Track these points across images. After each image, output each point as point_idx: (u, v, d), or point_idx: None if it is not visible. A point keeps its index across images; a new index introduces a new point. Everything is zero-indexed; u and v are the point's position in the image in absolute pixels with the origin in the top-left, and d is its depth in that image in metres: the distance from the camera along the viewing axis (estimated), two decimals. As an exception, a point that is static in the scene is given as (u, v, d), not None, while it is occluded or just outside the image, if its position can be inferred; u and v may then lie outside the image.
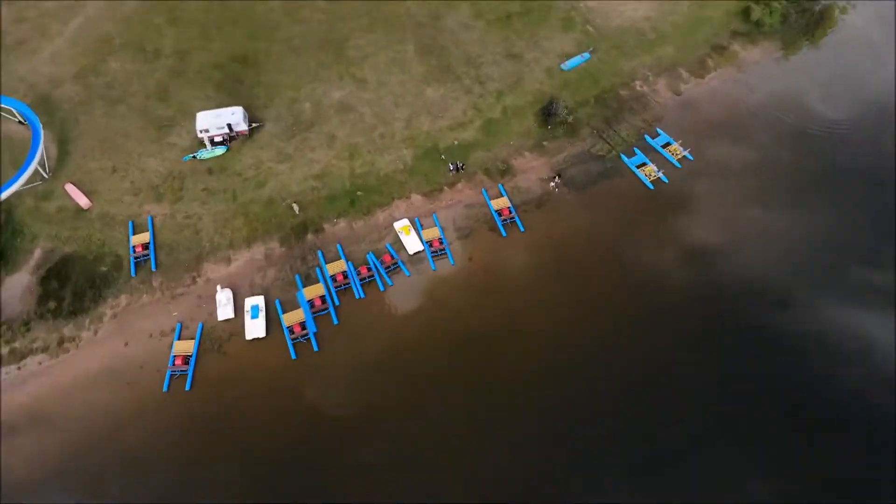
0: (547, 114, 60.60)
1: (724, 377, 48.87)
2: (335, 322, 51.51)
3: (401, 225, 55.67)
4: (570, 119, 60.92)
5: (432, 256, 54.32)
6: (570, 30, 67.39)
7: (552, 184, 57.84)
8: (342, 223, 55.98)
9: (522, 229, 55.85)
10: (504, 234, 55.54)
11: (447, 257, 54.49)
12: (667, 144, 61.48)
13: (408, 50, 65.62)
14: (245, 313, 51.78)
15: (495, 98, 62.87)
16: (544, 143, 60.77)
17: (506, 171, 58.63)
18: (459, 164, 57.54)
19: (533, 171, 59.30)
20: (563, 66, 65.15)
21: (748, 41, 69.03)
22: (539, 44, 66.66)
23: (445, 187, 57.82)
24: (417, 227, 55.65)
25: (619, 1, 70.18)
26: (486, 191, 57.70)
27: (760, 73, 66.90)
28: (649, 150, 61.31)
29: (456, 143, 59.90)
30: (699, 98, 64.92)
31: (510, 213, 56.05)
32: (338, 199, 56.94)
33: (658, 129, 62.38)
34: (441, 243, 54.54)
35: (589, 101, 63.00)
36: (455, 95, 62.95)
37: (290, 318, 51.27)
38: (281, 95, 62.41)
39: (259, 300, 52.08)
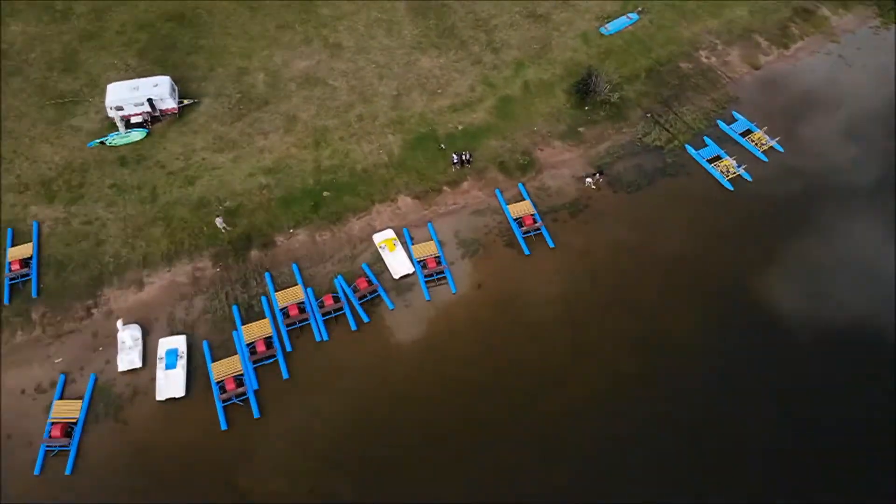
0: (584, 90, 44.77)
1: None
2: (285, 376, 35.77)
3: (383, 238, 39.53)
4: (616, 98, 44.99)
5: (426, 282, 38.65)
6: (610, -13, 51.71)
7: (591, 182, 41.48)
8: (301, 235, 39.93)
9: (552, 245, 39.86)
10: (526, 251, 39.61)
11: (447, 283, 38.36)
12: (747, 132, 45.47)
13: (397, 8, 49.79)
14: (158, 361, 37.42)
15: (513, 70, 47.12)
16: (580, 128, 44.71)
17: (528, 166, 42.57)
18: (465, 156, 41.74)
19: (565, 165, 43.26)
20: (603, 29, 49.52)
21: (840, 5, 52.89)
22: (571, 1, 50.53)
23: (445, 187, 41.78)
24: (406, 240, 39.91)
25: None
26: (502, 192, 41.69)
27: (858, 43, 50.59)
28: (724, 140, 45.46)
29: (460, 127, 43.94)
30: (784, 73, 49.14)
31: (534, 222, 40.17)
32: (296, 201, 41.01)
33: (734, 113, 46.56)
34: (438, 263, 38.60)
35: (639, 76, 47.23)
36: (459, 66, 47.21)
37: (221, 370, 37.39)
38: (226, 64, 46.80)
39: (179, 342, 38.16)
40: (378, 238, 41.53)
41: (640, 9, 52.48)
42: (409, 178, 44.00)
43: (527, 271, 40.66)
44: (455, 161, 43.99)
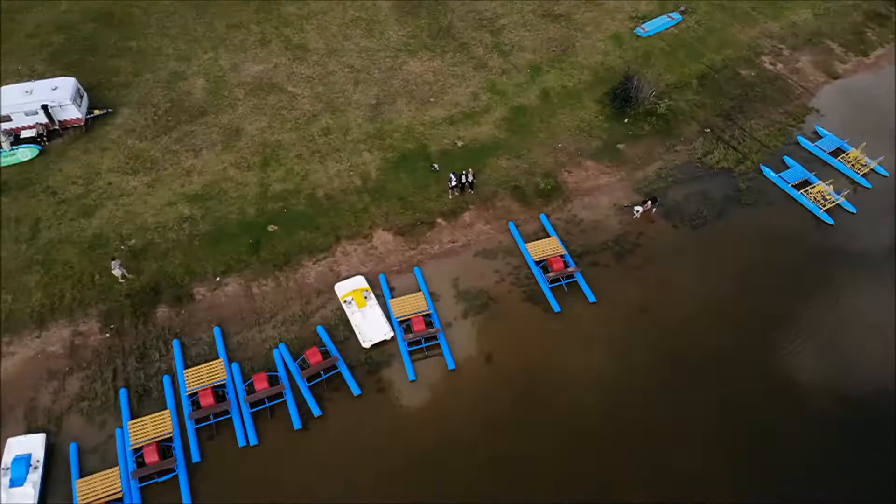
0: (622, 99, 33.81)
1: None
2: (186, 502, 21.76)
3: (350, 288, 27.44)
4: (663, 108, 33.78)
5: (410, 352, 26.12)
6: (643, -16, 41.77)
7: (640, 213, 29.52)
8: (232, 285, 27.75)
9: (592, 299, 27.22)
10: (556, 307, 27.73)
11: (441, 353, 25.77)
12: (838, 151, 33.96)
13: (380, 7, 39.35)
14: (1, 473, 24.91)
15: (528, 76, 36.19)
16: (619, 145, 33.24)
17: (552, 192, 30.89)
18: (466, 177, 29.88)
19: (603, 191, 31.66)
20: (639, 30, 39.25)
21: (919, 10, 42.75)
22: (596, 0, 40.34)
23: (440, 219, 29.86)
24: (384, 292, 27.49)
25: None
26: (517, 226, 29.77)
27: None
28: (810, 161, 33.32)
29: (460, 143, 32.44)
30: (869, 83, 38.48)
31: (565, 266, 28.24)
32: (229, 238, 29.15)
33: (818, 128, 35.32)
34: (429, 325, 26.89)
35: (689, 83, 36.29)
36: (458, 71, 36.36)
37: (90, 489, 24.51)
38: (157, 69, 36.08)
39: (34, 445, 25.83)
40: (343, 289, 29.00)
41: (682, 8, 42.28)
42: (389, 208, 31.94)
43: (557, 338, 27.85)
44: (453, 184, 32.06)
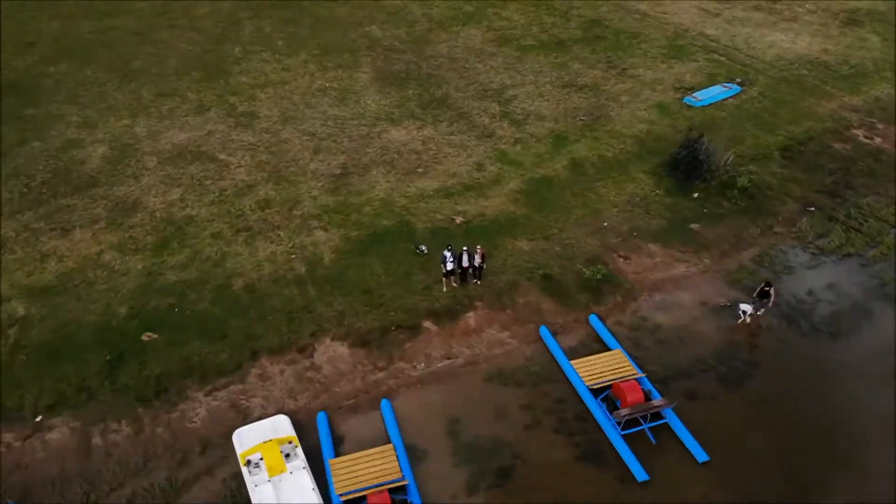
0: (687, 168, 23.76)
1: None
2: None
3: (260, 438, 14.00)
4: (746, 181, 23.09)
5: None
6: (683, 58, 33.52)
7: (748, 315, 17.17)
8: (60, 429, 14.69)
9: (702, 455, 13.44)
10: (639, 471, 14.86)
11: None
12: None
13: (359, 78, 30.85)
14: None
15: (550, 145, 26.84)
16: (692, 225, 22.53)
17: (604, 284, 19.19)
18: (470, 259, 18.37)
19: (681, 284, 20.68)
20: (691, 100, 30.44)
21: None
22: (627, 72, 31.90)
23: (428, 321, 18.29)
24: (323, 444, 15.58)
25: (754, 30, 39.60)
26: (553, 333, 17.66)
27: None
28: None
29: (459, 219, 21.49)
30: None
31: (646, 398, 14.68)
32: (74, 351, 17.57)
33: (964, 206, 24.06)
34: None
35: (770, 155, 27.35)
36: (456, 140, 27.17)
37: None
38: (50, 136, 27.51)
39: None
40: (247, 439, 16.03)
41: (739, 80, 33.89)
42: (347, 305, 19.99)
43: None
44: (449, 267, 20.37)
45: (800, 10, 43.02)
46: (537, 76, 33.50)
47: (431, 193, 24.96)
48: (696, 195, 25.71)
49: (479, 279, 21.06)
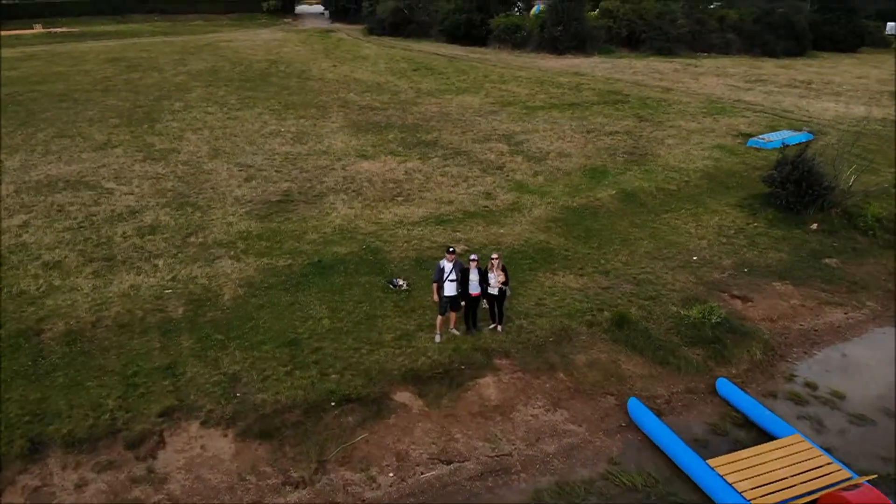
0: (794, 193, 15.05)
1: None
2: None
3: None
4: (881, 211, 15.10)
5: None
6: (730, 114, 27.61)
7: None
8: None
9: None
10: None
11: None
12: None
13: (325, 125, 24.00)
14: None
15: (583, 176, 18.53)
16: (826, 260, 13.13)
17: (723, 331, 9.19)
18: (489, 277, 9.71)
19: (845, 334, 10.80)
20: (758, 141, 23.49)
21: None
22: (664, 124, 25.35)
23: (404, 390, 9.56)
24: None
25: (797, 99, 34.58)
26: (652, 410, 10.03)
27: None
28: None
29: (460, 245, 12.03)
30: None
31: None
32: None
33: None
34: None
35: (887, 190, 18.05)
36: (455, 171, 19.04)
37: None
38: None
39: None
40: None
41: (807, 129, 27.11)
42: (248, 363, 10.50)
43: None
44: (448, 292, 11.14)
45: (839, 88, 38.21)
46: (553, 125, 26.57)
47: (417, 220, 16.30)
48: (814, 226, 17.31)
49: (500, 321, 11.73)
